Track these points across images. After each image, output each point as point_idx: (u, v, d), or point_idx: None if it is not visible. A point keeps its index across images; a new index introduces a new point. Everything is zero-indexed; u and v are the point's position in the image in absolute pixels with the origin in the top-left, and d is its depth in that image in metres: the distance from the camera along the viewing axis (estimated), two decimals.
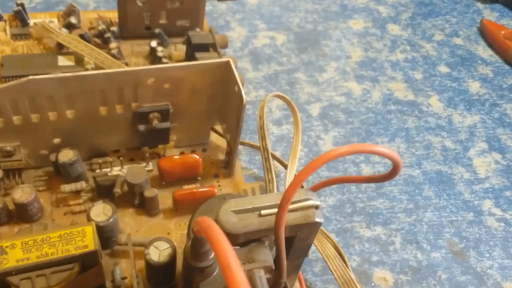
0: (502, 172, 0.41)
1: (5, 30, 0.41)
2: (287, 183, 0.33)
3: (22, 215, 0.31)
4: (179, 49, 0.42)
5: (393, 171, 0.24)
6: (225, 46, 0.43)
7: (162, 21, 0.43)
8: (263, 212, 0.22)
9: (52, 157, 0.33)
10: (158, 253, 0.27)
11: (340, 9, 0.55)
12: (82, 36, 0.40)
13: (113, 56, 0.40)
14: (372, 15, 0.55)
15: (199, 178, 0.35)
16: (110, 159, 0.34)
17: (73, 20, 0.42)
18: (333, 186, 0.38)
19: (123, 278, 0.29)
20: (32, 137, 0.32)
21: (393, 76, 0.48)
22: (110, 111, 0.32)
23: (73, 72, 0.30)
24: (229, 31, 0.50)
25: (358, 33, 0.52)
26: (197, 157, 0.34)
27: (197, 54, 0.39)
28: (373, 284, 0.33)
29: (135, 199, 0.32)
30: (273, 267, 0.23)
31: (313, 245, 0.26)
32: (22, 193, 0.30)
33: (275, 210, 0.21)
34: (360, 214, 0.37)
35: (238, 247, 0.23)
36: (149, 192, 0.32)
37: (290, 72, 0.47)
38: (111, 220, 0.29)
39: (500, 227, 0.38)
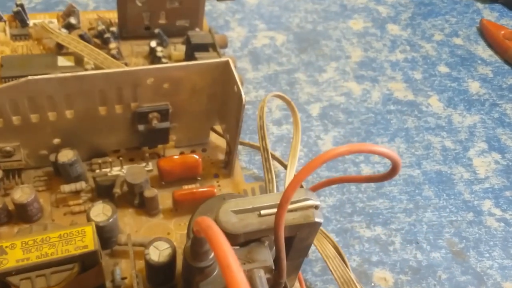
0: (502, 172, 0.41)
1: (4, 31, 0.41)
2: (287, 183, 0.33)
3: (22, 215, 0.31)
4: (179, 49, 0.42)
5: (393, 171, 0.24)
6: (224, 46, 0.43)
7: (162, 21, 0.43)
8: (262, 212, 0.22)
9: (52, 157, 0.33)
10: (158, 253, 0.27)
11: (339, 9, 0.55)
12: (81, 37, 0.40)
13: (113, 56, 0.40)
14: (372, 15, 0.55)
15: (199, 178, 0.35)
16: (110, 159, 0.34)
17: (72, 20, 0.42)
18: (333, 186, 0.38)
19: (123, 278, 0.29)
20: (31, 137, 0.32)
21: (393, 76, 0.48)
22: (110, 111, 0.32)
23: (72, 72, 0.30)
24: (229, 31, 0.50)
25: (357, 33, 0.52)
26: (197, 157, 0.34)
27: (197, 54, 0.39)
28: (373, 284, 0.33)
29: (135, 199, 0.32)
30: (273, 267, 0.23)
31: (313, 245, 0.26)
32: (21, 193, 0.30)
33: (275, 210, 0.21)
34: (360, 214, 0.37)
35: (238, 247, 0.23)
36: (149, 192, 0.32)
37: (290, 72, 0.47)
38: (111, 220, 0.29)
39: (500, 227, 0.38)
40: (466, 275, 0.34)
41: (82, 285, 0.25)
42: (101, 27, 0.41)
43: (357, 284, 0.29)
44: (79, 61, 0.39)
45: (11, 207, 0.31)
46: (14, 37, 0.41)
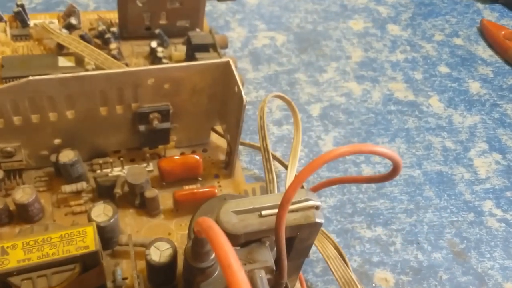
0: (502, 173, 0.41)
1: (5, 31, 0.41)
2: (288, 184, 0.33)
3: (23, 215, 0.31)
4: (179, 49, 0.42)
5: (394, 171, 0.24)
6: (225, 46, 0.43)
7: (162, 21, 0.43)
8: (263, 212, 0.22)
9: (53, 158, 0.33)
10: (159, 253, 0.27)
11: (340, 9, 0.55)
12: (82, 37, 0.40)
13: (113, 56, 0.40)
14: (372, 15, 0.55)
15: (200, 179, 0.35)
16: (111, 160, 0.34)
17: (73, 21, 0.42)
18: (334, 186, 0.38)
19: (124, 279, 0.29)
20: (32, 138, 0.32)
21: (393, 76, 0.48)
22: (110, 112, 0.32)
23: (73, 73, 0.30)
24: (229, 31, 0.50)
25: (358, 33, 0.52)
26: (198, 157, 0.34)
27: (197, 55, 0.39)
28: (374, 284, 0.33)
29: (136, 200, 0.32)
30: (274, 268, 0.23)
31: (314, 245, 0.26)
32: (23, 194, 0.30)
33: (276, 210, 0.21)
34: (360, 214, 0.37)
35: (238, 248, 0.23)
36: (149, 193, 0.32)
37: (290, 72, 0.47)
38: (111, 221, 0.29)
39: (501, 227, 0.38)
40: (467, 276, 0.34)
41: (83, 286, 0.25)
42: (102, 27, 0.41)
43: (358, 285, 0.29)
44: (79, 62, 0.40)
45: (12, 207, 0.31)
46: (15, 38, 0.41)
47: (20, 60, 0.39)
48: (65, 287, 0.24)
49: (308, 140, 0.41)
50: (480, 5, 0.58)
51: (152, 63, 0.41)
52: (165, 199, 0.33)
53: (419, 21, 0.55)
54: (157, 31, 0.42)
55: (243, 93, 0.30)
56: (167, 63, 0.41)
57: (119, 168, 0.34)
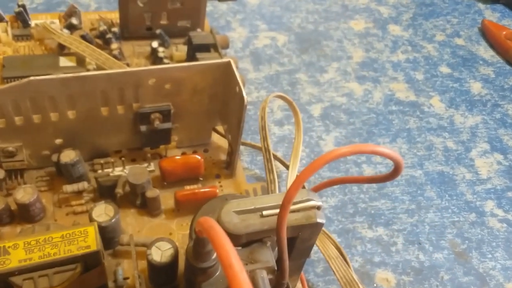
0: (504, 173, 0.41)
1: (6, 31, 0.41)
2: (289, 184, 0.33)
3: (24, 215, 0.31)
4: (180, 49, 0.42)
5: (395, 172, 0.24)
6: (226, 46, 0.43)
7: (163, 21, 0.43)
8: (265, 212, 0.22)
9: (54, 158, 0.33)
10: (160, 253, 0.27)
11: (341, 9, 0.55)
12: (83, 37, 0.40)
13: (114, 56, 0.40)
14: (373, 15, 0.55)
15: (201, 179, 0.35)
16: (112, 160, 0.34)
17: (74, 21, 0.42)
18: (335, 186, 0.38)
19: (125, 278, 0.29)
20: (34, 138, 0.32)
21: (395, 76, 0.48)
22: (112, 112, 0.32)
23: (74, 73, 0.30)
24: (230, 31, 0.50)
25: (359, 33, 0.52)
26: (199, 157, 0.34)
27: (198, 55, 0.39)
28: (375, 285, 0.33)
29: (137, 200, 0.32)
30: (275, 268, 0.23)
31: (315, 245, 0.26)
32: (24, 194, 0.30)
33: (277, 210, 0.21)
34: (362, 214, 0.37)
35: (240, 248, 0.23)
36: (151, 193, 0.32)
37: (291, 72, 0.47)
38: (113, 221, 0.29)
39: (502, 228, 0.37)
40: (468, 276, 0.34)
41: (85, 285, 0.25)
42: (103, 27, 0.41)
43: (359, 285, 0.29)
44: (81, 62, 0.40)
45: (13, 207, 0.31)
46: (16, 38, 0.41)
47: (21, 60, 0.39)
48: (66, 287, 0.24)
49: (309, 140, 0.41)
50: (481, 5, 0.58)
51: (153, 63, 0.42)
52: (166, 199, 0.33)
53: (420, 21, 0.55)
54: (158, 31, 0.42)
55: (244, 93, 0.30)
56: (168, 63, 0.41)
57: (120, 168, 0.34)
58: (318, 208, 0.23)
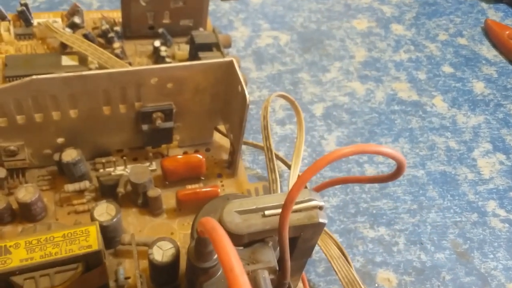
0: (506, 173, 0.41)
1: (9, 30, 0.41)
2: (291, 183, 0.33)
3: (25, 214, 0.31)
4: (183, 48, 0.42)
5: (397, 171, 0.24)
6: (228, 45, 0.43)
7: (166, 20, 0.43)
8: (267, 212, 0.22)
9: (56, 157, 0.33)
10: (161, 253, 0.27)
11: (343, 8, 0.55)
12: (85, 36, 0.40)
13: (117, 55, 0.40)
14: (376, 15, 0.55)
15: (203, 178, 0.35)
16: (114, 159, 0.34)
17: (76, 20, 0.42)
18: (337, 186, 0.38)
19: (127, 278, 0.29)
20: (35, 137, 0.32)
21: (397, 76, 0.48)
22: (114, 111, 0.32)
23: (76, 72, 0.30)
24: (233, 30, 0.50)
25: (361, 33, 0.52)
26: (201, 157, 0.34)
27: (201, 54, 0.39)
28: (376, 285, 0.33)
29: (139, 199, 0.32)
30: (277, 268, 0.23)
31: (316, 245, 0.26)
32: (25, 193, 0.30)
33: (279, 210, 0.21)
34: (363, 214, 0.37)
35: (241, 248, 0.23)
36: (152, 192, 0.32)
37: (293, 72, 0.47)
38: (114, 220, 0.29)
39: (504, 228, 0.37)
40: (470, 276, 0.34)
41: (86, 285, 0.25)
42: (105, 26, 0.41)
43: (361, 285, 0.29)
44: (83, 61, 0.40)
45: (15, 206, 0.31)
46: (18, 37, 0.41)
47: (24, 59, 0.39)
48: (67, 287, 0.24)
49: (311, 139, 0.41)
50: (484, 5, 0.58)
51: (155, 62, 0.41)
52: (168, 198, 0.33)
53: (423, 20, 0.55)
54: (160, 30, 0.42)
55: (246, 93, 0.30)
56: (170, 62, 0.41)
57: (122, 167, 0.34)
58: (320, 208, 0.23)
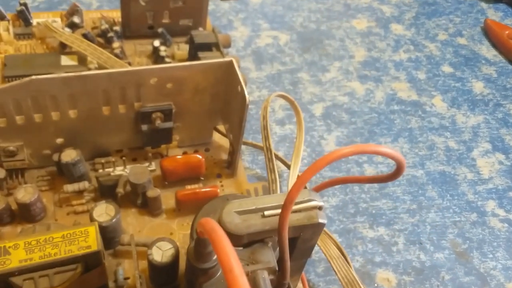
0: (505, 173, 0.41)
1: (8, 30, 0.41)
2: (290, 183, 0.33)
3: (25, 215, 0.31)
4: (182, 48, 0.42)
5: (397, 171, 0.24)
6: (228, 45, 0.43)
7: (165, 20, 0.43)
8: (266, 213, 0.22)
9: (55, 157, 0.33)
10: (161, 253, 0.27)
11: (343, 8, 0.55)
12: (85, 36, 0.40)
13: (116, 55, 0.40)
14: (376, 14, 0.55)
15: (202, 178, 0.35)
16: (113, 159, 0.34)
17: (76, 19, 0.42)
18: (336, 186, 0.38)
19: (126, 278, 0.29)
20: (35, 137, 0.32)
21: (397, 76, 0.48)
22: (113, 111, 0.32)
23: (76, 72, 0.30)
24: (232, 30, 0.50)
25: (361, 32, 0.52)
26: (200, 157, 0.34)
27: (200, 54, 0.39)
28: (376, 284, 0.33)
29: (138, 199, 0.32)
30: (277, 268, 0.23)
31: (316, 245, 0.26)
32: (25, 193, 0.30)
33: (279, 211, 0.21)
34: (363, 214, 0.37)
35: (241, 248, 0.23)
36: (151, 192, 0.32)
37: (293, 71, 0.47)
38: (114, 220, 0.29)
39: (503, 228, 0.37)
40: (469, 276, 0.34)
41: (85, 285, 0.25)
42: (105, 26, 0.41)
43: (361, 285, 0.29)
44: (82, 61, 0.39)
45: (14, 206, 0.31)
46: (18, 36, 0.41)
47: (23, 59, 0.39)
48: (67, 287, 0.24)
49: (310, 139, 0.41)
50: (484, 5, 0.58)
51: (155, 62, 0.41)
52: (167, 198, 0.33)
53: (422, 20, 0.55)
54: (160, 30, 0.42)
55: (246, 93, 0.30)
56: (169, 62, 0.41)
57: (121, 168, 0.34)
58: (320, 208, 0.23)
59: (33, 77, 0.29)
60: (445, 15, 0.56)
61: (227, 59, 0.32)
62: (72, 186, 0.32)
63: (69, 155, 0.32)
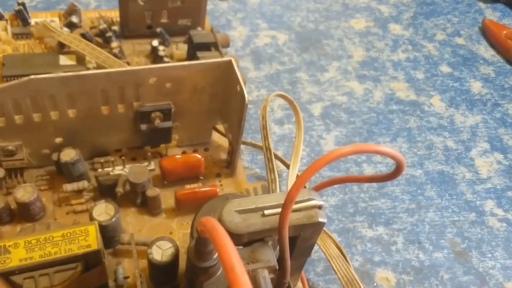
0: (504, 172, 0.41)
1: (6, 30, 0.41)
2: (289, 183, 0.33)
3: (24, 214, 0.31)
4: (181, 48, 0.42)
5: (397, 171, 0.24)
6: (226, 45, 0.43)
7: (164, 20, 0.43)
8: (266, 212, 0.22)
9: (54, 157, 0.33)
10: (160, 252, 0.27)
11: (341, 8, 0.55)
12: (83, 35, 0.40)
13: (115, 55, 0.40)
14: (374, 14, 0.55)
15: (201, 178, 0.35)
16: (112, 159, 0.34)
17: (74, 19, 0.42)
18: (335, 186, 0.38)
19: (126, 278, 0.29)
20: (34, 137, 0.32)
21: (395, 75, 0.48)
22: (112, 111, 0.32)
23: (74, 72, 0.30)
24: (231, 30, 0.50)
25: (359, 32, 0.52)
26: (199, 156, 0.34)
27: (199, 53, 0.39)
28: (375, 284, 0.33)
29: (137, 199, 0.32)
30: (277, 267, 0.23)
31: (316, 244, 0.26)
32: (24, 192, 0.30)
33: (279, 210, 0.21)
34: (362, 214, 0.37)
35: (241, 247, 0.23)
36: (151, 192, 0.32)
37: (291, 71, 0.47)
38: (113, 220, 0.29)
39: (502, 227, 0.38)
40: (468, 275, 0.34)
41: (85, 284, 0.25)
42: (103, 26, 0.41)
43: (360, 284, 0.29)
44: (81, 60, 0.39)
45: (13, 206, 0.31)
46: (16, 36, 0.41)
47: (21, 59, 0.39)
48: (67, 286, 0.24)
49: (309, 139, 0.41)
50: (482, 5, 0.58)
51: (154, 62, 0.41)
52: (167, 198, 0.33)
53: (420, 20, 0.55)
54: (158, 29, 0.42)
55: (245, 92, 0.30)
56: (168, 62, 0.41)
57: (121, 167, 0.34)
58: (320, 207, 0.23)
59: (32, 76, 0.29)
60: (443, 15, 0.56)
61: (226, 58, 0.32)
62: (71, 186, 0.32)
63: (68, 154, 0.32)
